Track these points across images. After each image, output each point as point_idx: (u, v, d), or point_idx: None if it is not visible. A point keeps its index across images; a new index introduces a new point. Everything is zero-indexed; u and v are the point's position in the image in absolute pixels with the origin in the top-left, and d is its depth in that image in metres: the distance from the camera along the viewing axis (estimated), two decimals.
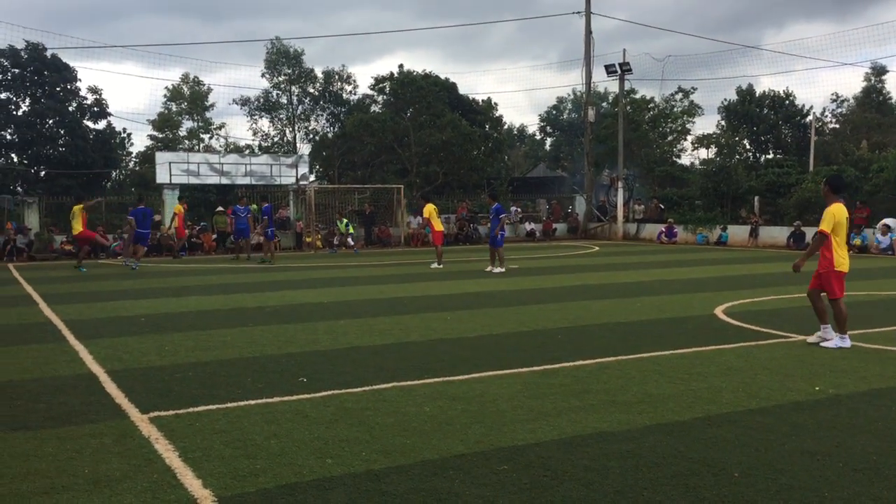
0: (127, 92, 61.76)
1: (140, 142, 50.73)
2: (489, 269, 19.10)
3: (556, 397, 6.55)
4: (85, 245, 21.90)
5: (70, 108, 40.35)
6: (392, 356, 8.44)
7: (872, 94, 51.55)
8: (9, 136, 39.57)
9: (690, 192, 36.89)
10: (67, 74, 40.12)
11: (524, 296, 14.05)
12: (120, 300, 13.88)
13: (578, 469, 4.83)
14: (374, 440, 5.42)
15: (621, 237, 35.57)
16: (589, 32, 36.61)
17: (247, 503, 4.35)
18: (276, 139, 48.18)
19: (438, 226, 21.31)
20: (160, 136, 49.71)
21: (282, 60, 45.55)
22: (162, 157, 31.27)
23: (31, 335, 10.14)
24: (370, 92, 44.81)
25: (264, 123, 48.22)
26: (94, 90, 41.82)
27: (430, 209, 21.15)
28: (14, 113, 39.37)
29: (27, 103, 39.71)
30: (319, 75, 46.49)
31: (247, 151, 44.78)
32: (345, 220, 29.97)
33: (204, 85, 51.66)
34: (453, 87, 44.50)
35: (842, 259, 8.74)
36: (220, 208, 31.78)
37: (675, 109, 45.91)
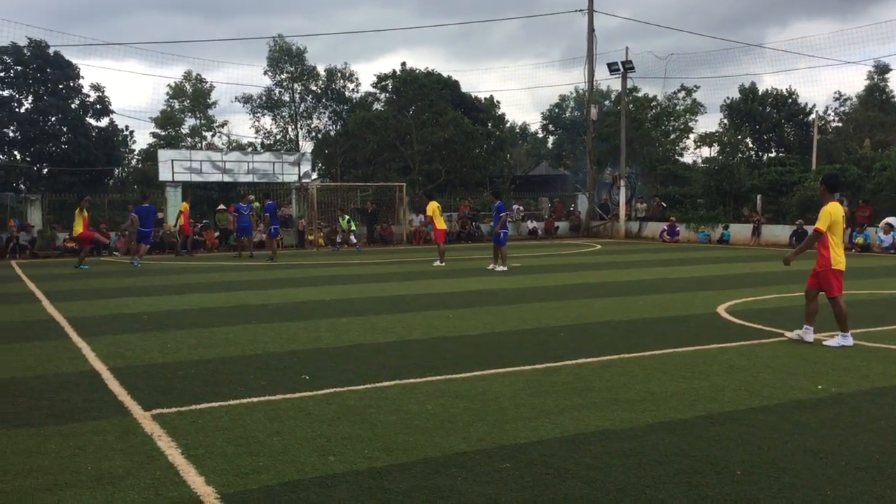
0: (129, 89, 62.10)
1: (142, 139, 50.89)
2: (491, 266, 19.09)
3: (559, 395, 6.55)
4: (87, 245, 21.92)
5: (73, 106, 40.34)
6: (394, 354, 8.44)
7: (875, 92, 51.44)
8: (11, 134, 39.57)
9: (693, 191, 36.85)
10: (70, 72, 40.12)
11: (526, 294, 14.05)
12: (122, 297, 13.90)
13: (581, 467, 4.83)
14: (377, 438, 5.42)
15: (623, 235, 35.55)
16: (591, 30, 36.58)
17: (249, 500, 4.35)
18: (278, 137, 48.18)
19: (441, 224, 21.29)
20: (163, 133, 49.70)
21: (284, 58, 45.51)
22: (164, 155, 31.29)
23: (33, 332, 10.16)
24: (372, 90, 44.79)
25: (267, 121, 48.24)
26: (96, 88, 41.82)
27: (433, 207, 21.14)
28: (17, 110, 39.37)
29: (30, 101, 39.70)
30: (322, 73, 46.47)
31: (249, 149, 44.83)
32: (346, 217, 29.95)
33: (206, 82, 51.68)
34: (456, 84, 44.44)
35: (839, 257, 8.78)
36: (221, 206, 31.80)
37: (678, 108, 45.85)
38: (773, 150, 50.59)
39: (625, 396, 6.51)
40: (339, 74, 46.64)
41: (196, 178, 31.44)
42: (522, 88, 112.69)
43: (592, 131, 38.18)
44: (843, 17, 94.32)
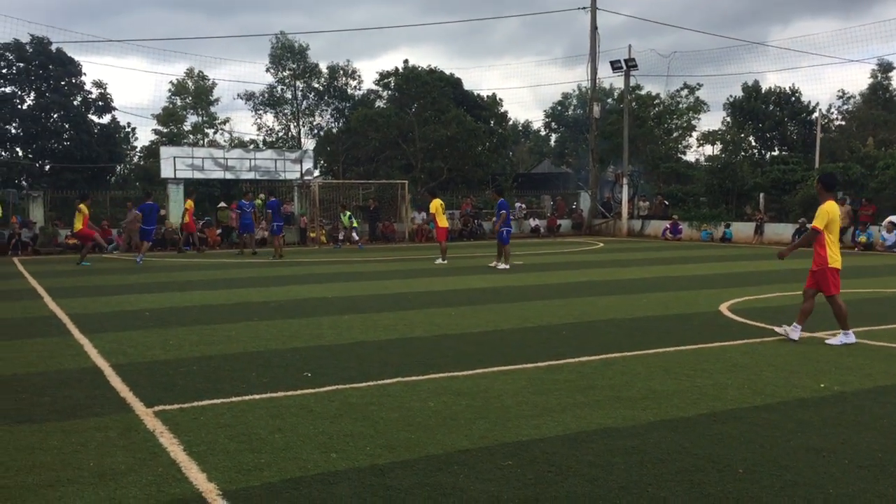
0: (131, 86, 61.98)
1: (144, 136, 50.96)
2: (493, 264, 19.07)
3: (561, 393, 6.54)
4: (87, 242, 21.94)
5: (75, 103, 40.39)
6: (396, 351, 8.44)
7: (879, 90, 51.31)
8: (14, 130, 39.64)
9: (695, 189, 36.81)
10: (72, 68, 40.16)
11: (528, 292, 14.04)
12: (124, 294, 13.90)
13: (583, 465, 4.82)
14: (379, 435, 5.42)
15: (626, 234, 35.52)
16: (594, 28, 36.52)
17: (251, 497, 4.35)
18: (280, 134, 48.20)
19: (443, 222, 21.27)
20: (165, 130, 49.74)
21: (286, 55, 45.52)
22: (166, 152, 31.31)
23: (35, 329, 10.17)
24: (375, 87, 44.81)
25: (269, 118, 48.27)
26: (98, 84, 41.89)
27: (436, 204, 21.11)
28: (19, 107, 39.43)
29: (32, 97, 39.76)
30: (324, 70, 46.49)
31: (251, 146, 44.84)
32: (347, 213, 29.91)
33: (208, 79, 51.73)
34: (458, 82, 44.42)
35: (835, 256, 8.80)
36: (222, 204, 31.80)
37: (681, 106, 45.79)
38: (776, 149, 50.53)
39: (627, 394, 6.50)
40: (341, 72, 46.66)
41: (198, 175, 31.45)
42: (525, 86, 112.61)
43: (595, 129, 38.14)
44: (846, 15, 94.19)
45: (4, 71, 39.00)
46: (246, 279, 16.72)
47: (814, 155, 41.69)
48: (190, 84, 51.53)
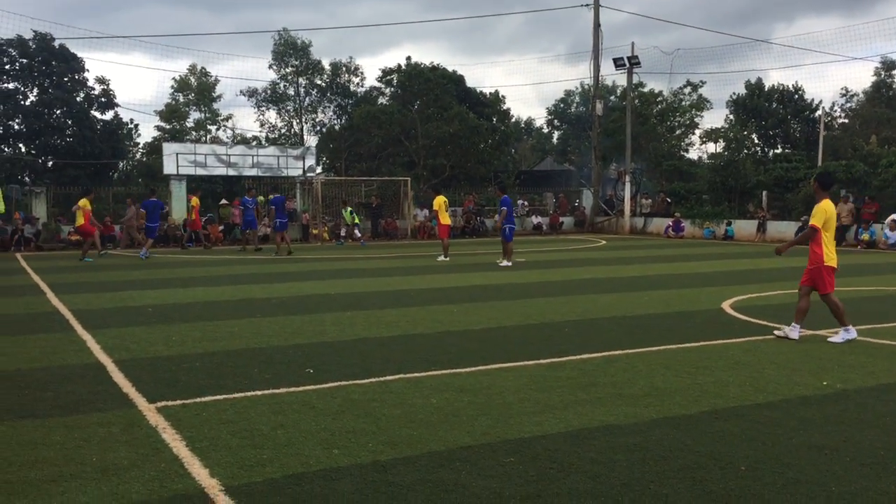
0: (134, 83, 62.01)
1: (147, 133, 51.03)
2: (500, 261, 18.99)
3: (563, 390, 6.54)
4: (88, 238, 21.97)
5: (78, 99, 40.39)
6: (399, 348, 8.45)
7: (882, 88, 51.23)
8: (17, 126, 39.64)
9: (698, 187, 36.76)
10: (75, 65, 40.16)
11: (531, 289, 14.04)
12: (127, 290, 13.92)
13: (585, 462, 4.83)
14: (381, 431, 5.43)
15: (628, 231, 35.50)
16: (597, 25, 36.47)
17: (254, 493, 4.36)
18: (283, 131, 48.17)
19: (445, 219, 21.25)
20: (167, 127, 49.72)
21: (289, 52, 45.48)
22: (169, 148, 31.31)
23: (38, 324, 10.18)
24: (377, 84, 44.76)
25: (271, 115, 48.24)
26: (101, 81, 41.87)
27: (439, 201, 21.10)
28: (22, 103, 39.42)
29: (35, 93, 39.76)
30: (327, 67, 46.43)
31: (254, 143, 44.81)
32: (349, 209, 29.88)
33: (211, 76, 51.72)
34: (461, 79, 44.38)
35: (831, 254, 8.81)
36: (223, 201, 31.79)
37: (684, 103, 45.76)
38: (778, 147, 50.45)
39: (629, 392, 6.50)
40: (343, 68, 46.60)
41: (200, 171, 31.45)
42: (528, 84, 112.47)
43: (598, 127, 38.10)
44: (849, 12, 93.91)
45: (7, 67, 39.00)
46: (248, 276, 16.73)
47: (817, 153, 41.64)
48: (193, 80, 51.53)
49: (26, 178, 38.72)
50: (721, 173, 35.01)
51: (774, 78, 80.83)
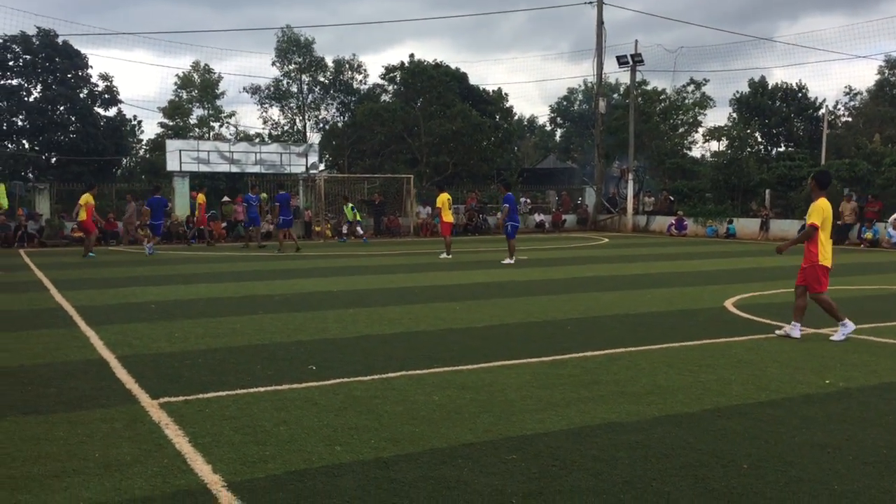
0: (138, 79, 62.04)
1: (150, 129, 51.02)
2: (511, 260, 18.89)
3: (565, 388, 6.54)
4: (90, 234, 22.00)
5: (81, 95, 40.45)
6: (401, 345, 8.45)
7: (886, 87, 51.14)
8: (20, 123, 39.71)
9: (701, 185, 36.73)
10: (79, 61, 40.21)
11: (533, 286, 14.03)
12: (130, 287, 13.94)
13: (587, 459, 4.83)
14: (383, 428, 5.43)
15: (631, 229, 35.48)
16: (601, 23, 36.43)
17: (256, 489, 4.36)
18: (286, 128, 48.22)
19: (448, 217, 21.23)
20: (170, 123, 49.81)
21: (292, 49, 45.50)
22: (172, 145, 31.34)
23: (42, 320, 10.20)
24: (380, 81, 44.77)
25: (274, 112, 48.31)
26: (105, 77, 41.95)
27: (443, 199, 21.08)
28: (25, 99, 39.49)
29: (38, 90, 39.83)
30: (330, 64, 46.46)
31: (257, 140, 44.82)
32: (350, 205, 29.84)
33: (214, 73, 51.77)
34: (464, 77, 44.36)
35: (826, 253, 8.79)
36: (226, 198, 31.80)
37: (687, 101, 45.68)
38: (782, 145, 50.40)
39: (631, 389, 6.50)
40: (347, 66, 46.63)
41: (204, 168, 31.48)
42: (531, 81, 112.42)
43: (601, 124, 38.07)
44: (853, 11, 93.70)
45: (11, 63, 39.06)
46: (251, 272, 16.75)
47: (820, 151, 41.59)
48: (196, 77, 51.57)
49: (30, 175, 38.80)
50: (724, 171, 34.96)
51: (778, 76, 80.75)
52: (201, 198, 26.61)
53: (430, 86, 40.42)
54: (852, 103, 53.95)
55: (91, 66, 40.99)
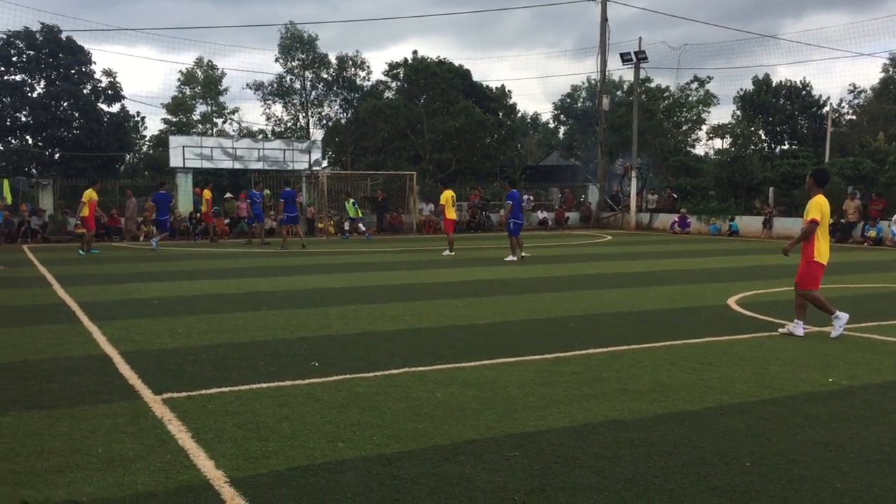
0: (141, 75, 61.98)
1: (154, 125, 51.10)
2: (515, 256, 18.86)
3: (568, 385, 6.54)
4: (90, 231, 22.02)
5: (84, 91, 40.49)
6: (404, 342, 8.45)
7: (890, 85, 51.01)
8: (24, 118, 39.77)
9: (704, 183, 36.70)
10: (82, 57, 40.24)
11: (536, 284, 14.03)
12: (133, 283, 13.95)
13: (589, 456, 4.83)
14: (386, 425, 5.43)
15: (634, 227, 35.45)
16: (604, 20, 36.38)
17: (259, 485, 4.37)
18: (289, 124, 48.22)
19: (451, 214, 21.23)
20: (174, 119, 49.83)
21: (296, 45, 45.49)
22: (175, 141, 31.36)
23: (45, 316, 10.21)
24: (384, 78, 44.77)
25: (278, 108, 48.31)
26: (108, 73, 41.98)
27: (447, 196, 21.07)
28: (29, 95, 39.53)
29: (42, 85, 39.87)
30: (333, 61, 46.44)
31: (260, 136, 44.91)
32: (351, 200, 29.81)
33: (218, 69, 51.78)
34: (467, 73, 44.34)
35: (822, 251, 8.78)
36: (228, 195, 31.83)
37: (691, 99, 45.67)
38: (786, 143, 50.33)
39: (634, 387, 6.50)
40: (350, 62, 46.61)
41: (207, 164, 31.52)
42: (534, 78, 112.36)
43: (604, 122, 38.03)
44: (858, 8, 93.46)
45: (15, 59, 39.10)
46: (254, 269, 16.76)
47: (824, 149, 41.51)
48: (199, 73, 51.59)
49: (33, 170, 38.87)
50: (728, 169, 34.92)
51: (782, 74, 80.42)
52: (207, 193, 26.62)
53: (434, 82, 40.40)
54: (856, 101, 53.89)
55: (94, 62, 41.08)
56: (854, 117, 53.41)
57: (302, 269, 16.79)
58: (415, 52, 42.84)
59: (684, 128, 46.75)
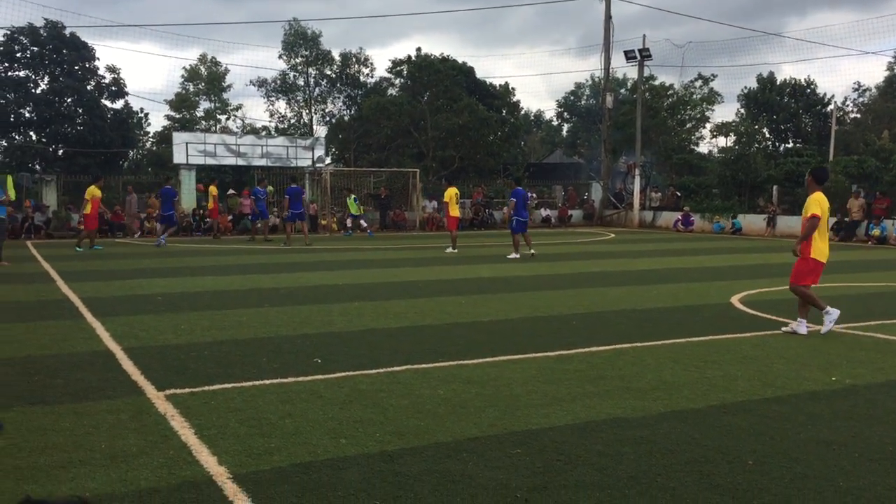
0: (145, 72, 61.97)
1: (157, 122, 51.10)
2: (523, 254, 18.80)
3: (571, 383, 6.54)
4: (92, 228, 22.04)
5: (88, 87, 40.49)
6: (407, 339, 8.45)
7: (895, 83, 50.89)
8: (27, 114, 39.78)
9: (708, 181, 36.63)
10: (86, 53, 40.24)
11: (539, 281, 14.02)
12: (136, 279, 13.97)
13: (592, 454, 4.82)
14: (388, 421, 5.44)
15: (637, 225, 35.42)
16: (609, 17, 36.33)
17: (261, 481, 4.37)
18: (292, 121, 48.19)
19: (455, 211, 21.23)
20: (177, 116, 49.84)
21: (299, 42, 45.46)
22: (179, 138, 31.38)
23: (48, 312, 10.23)
24: (387, 75, 44.71)
25: (281, 105, 48.29)
26: (112, 69, 41.98)
27: (451, 193, 21.06)
28: (33, 91, 39.55)
29: (46, 81, 39.87)
30: (336, 57, 46.41)
31: (263, 133, 44.86)
32: (352, 196, 29.80)
33: (221, 65, 51.79)
34: (471, 71, 44.27)
35: (820, 248, 8.77)
36: (231, 191, 31.87)
37: (695, 97, 45.53)
38: (790, 141, 50.23)
39: (637, 385, 6.49)
40: (353, 59, 46.57)
41: (210, 161, 31.53)
42: (538, 75, 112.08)
43: (608, 119, 37.97)
44: (863, 6, 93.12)
45: (18, 55, 39.11)
46: (257, 265, 16.77)
47: (828, 147, 41.40)
48: (203, 70, 51.60)
49: (37, 166, 38.91)
50: (731, 167, 34.85)
51: (786, 72, 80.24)
52: (213, 189, 26.63)
53: (437, 80, 40.36)
54: (861, 99, 53.72)
55: (98, 58, 41.06)
56: (858, 116, 53.27)
57: (305, 265, 16.80)
58: (418, 50, 42.82)
59: (688, 126, 46.60)
